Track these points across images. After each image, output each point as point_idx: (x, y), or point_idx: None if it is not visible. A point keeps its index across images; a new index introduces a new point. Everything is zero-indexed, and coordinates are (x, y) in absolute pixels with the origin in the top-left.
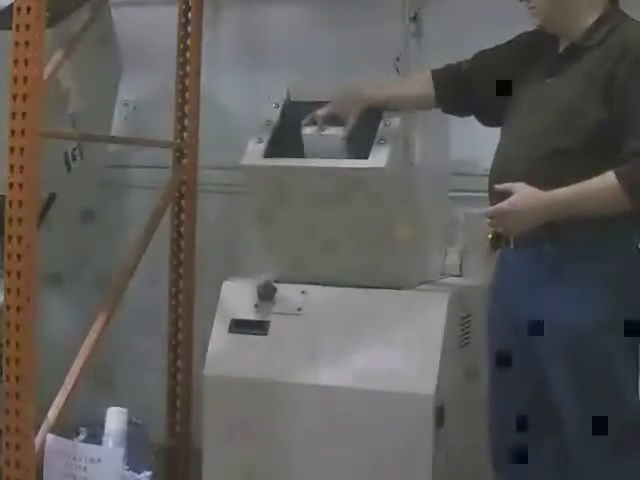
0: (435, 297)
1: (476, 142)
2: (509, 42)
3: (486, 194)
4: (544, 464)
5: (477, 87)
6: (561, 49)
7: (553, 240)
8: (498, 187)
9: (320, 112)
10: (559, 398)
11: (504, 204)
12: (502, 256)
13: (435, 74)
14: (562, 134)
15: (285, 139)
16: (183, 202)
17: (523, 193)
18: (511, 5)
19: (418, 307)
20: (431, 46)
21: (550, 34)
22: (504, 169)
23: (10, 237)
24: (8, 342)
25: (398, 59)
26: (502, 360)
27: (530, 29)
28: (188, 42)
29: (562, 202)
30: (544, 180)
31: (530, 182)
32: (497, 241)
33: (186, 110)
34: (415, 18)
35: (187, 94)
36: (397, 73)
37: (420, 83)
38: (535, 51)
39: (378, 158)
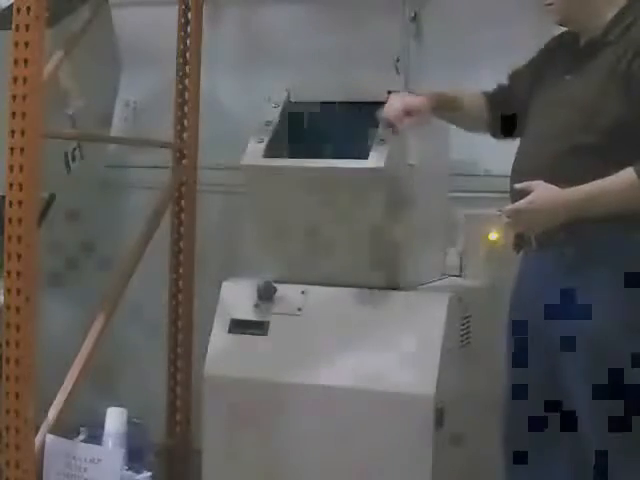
0: (435, 297)
1: (476, 142)
2: (538, 52)
3: (486, 194)
4: (558, 465)
5: (513, 106)
6: (580, 45)
7: (575, 242)
8: (517, 186)
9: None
10: (578, 400)
11: (522, 202)
12: (524, 258)
13: (487, 97)
14: (581, 131)
15: (285, 139)
16: (183, 202)
17: (541, 191)
18: (510, 5)
19: (418, 307)
20: (431, 46)
21: (571, 32)
22: (524, 168)
23: (10, 237)
24: (8, 342)
25: (398, 60)
26: (521, 361)
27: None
28: (188, 42)
29: (581, 199)
30: (563, 178)
31: (549, 180)
32: (519, 242)
33: (186, 110)
34: (415, 18)
35: (187, 94)
36: (397, 73)
37: (479, 102)
38: (556, 50)
39: (378, 158)
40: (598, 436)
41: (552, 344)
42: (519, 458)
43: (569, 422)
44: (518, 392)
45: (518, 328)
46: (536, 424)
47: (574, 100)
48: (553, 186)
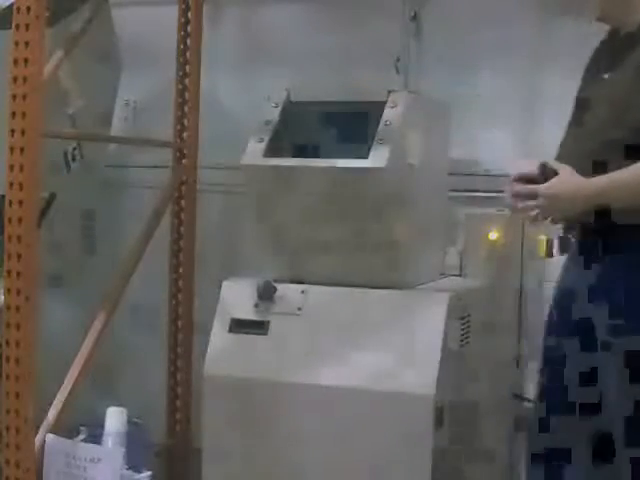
0: (435, 297)
1: (476, 142)
2: (587, 62)
3: (486, 194)
4: (585, 468)
5: None
6: (618, 42)
7: (610, 243)
8: (548, 166)
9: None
10: (614, 404)
11: (541, 186)
12: (567, 259)
13: None
14: (612, 127)
15: (285, 139)
16: (183, 202)
17: (564, 176)
18: (510, 5)
19: (418, 307)
20: (431, 46)
21: (613, 30)
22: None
23: (10, 237)
24: (8, 342)
25: (398, 59)
26: (555, 362)
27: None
28: (188, 42)
29: (602, 187)
30: (594, 174)
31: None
32: (564, 244)
33: (186, 110)
34: (415, 18)
35: (187, 94)
36: (397, 73)
37: None
38: (600, 52)
39: (378, 158)
40: (633, 441)
41: (587, 345)
42: (545, 458)
43: (601, 425)
44: (550, 393)
45: (553, 329)
46: (569, 425)
47: (608, 96)
48: (577, 174)
